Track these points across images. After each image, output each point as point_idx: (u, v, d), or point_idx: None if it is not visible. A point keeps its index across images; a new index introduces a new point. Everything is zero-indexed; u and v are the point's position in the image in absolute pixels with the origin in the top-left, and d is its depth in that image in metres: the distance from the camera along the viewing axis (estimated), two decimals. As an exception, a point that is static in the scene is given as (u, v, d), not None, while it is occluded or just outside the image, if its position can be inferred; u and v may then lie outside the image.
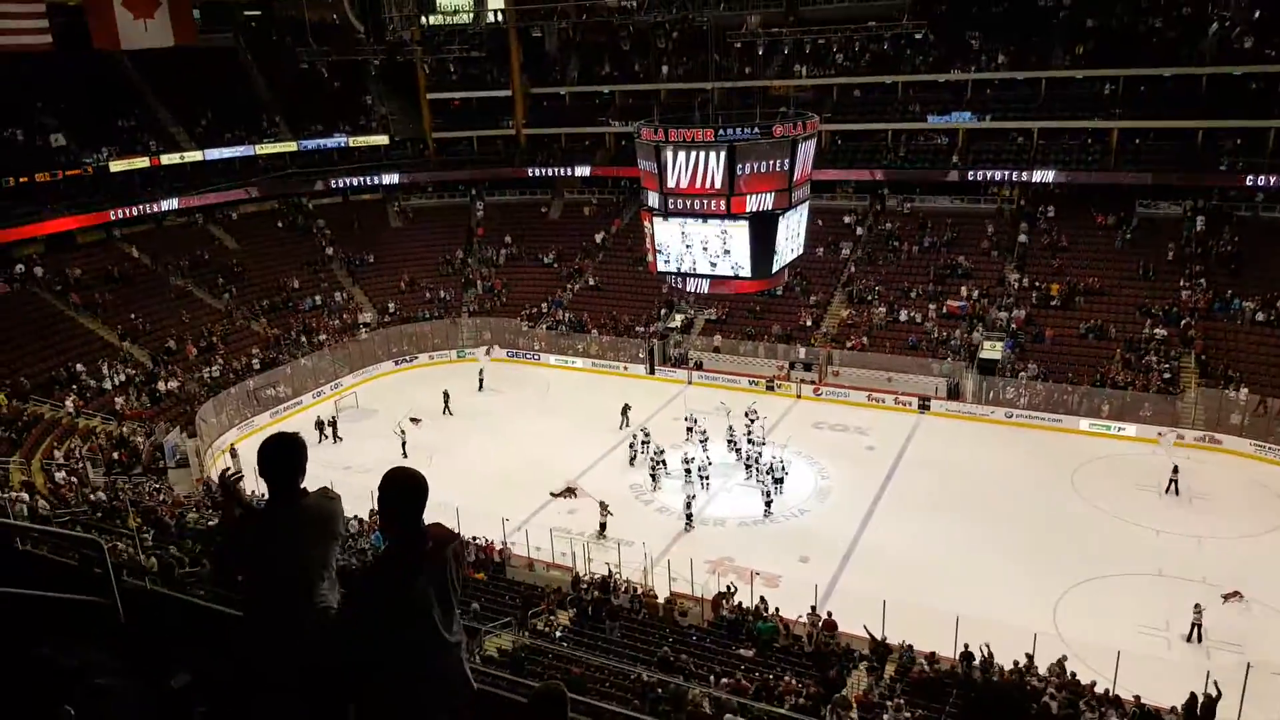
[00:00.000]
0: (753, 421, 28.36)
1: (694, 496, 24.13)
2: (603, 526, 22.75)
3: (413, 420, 29.82)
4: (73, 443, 26.22)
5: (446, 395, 32.16)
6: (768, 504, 24.24)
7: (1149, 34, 36.06)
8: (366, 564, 2.98)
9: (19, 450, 25.13)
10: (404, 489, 2.88)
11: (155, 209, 38.41)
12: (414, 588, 2.83)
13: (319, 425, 29.55)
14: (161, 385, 31.26)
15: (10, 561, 4.15)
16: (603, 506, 23.11)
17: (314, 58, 41.37)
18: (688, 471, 25.70)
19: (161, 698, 2.96)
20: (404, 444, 27.72)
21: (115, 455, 25.98)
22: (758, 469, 25.91)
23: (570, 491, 25.26)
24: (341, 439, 29.41)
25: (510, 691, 3.46)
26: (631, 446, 27.66)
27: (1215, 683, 14.43)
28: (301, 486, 3.11)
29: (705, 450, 26.98)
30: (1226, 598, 19.13)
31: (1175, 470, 24.51)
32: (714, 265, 22.05)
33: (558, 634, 17.28)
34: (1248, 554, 21.33)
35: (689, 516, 23.59)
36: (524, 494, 24.89)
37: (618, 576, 19.67)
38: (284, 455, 3.06)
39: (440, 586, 2.86)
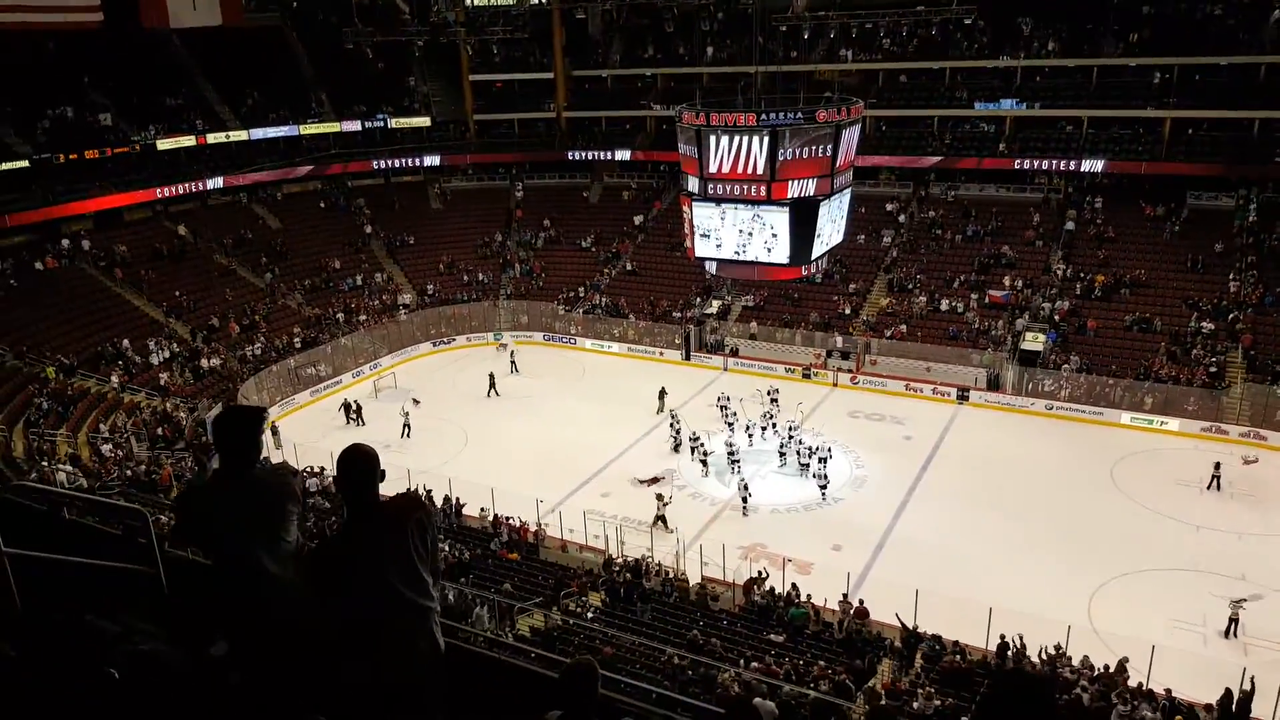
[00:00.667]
0: (773, 401, 28.34)
1: (745, 481, 23.99)
2: (662, 519, 22.40)
3: (415, 401, 30.55)
4: (118, 417, 26.84)
5: (492, 377, 32.43)
6: (823, 488, 24.10)
7: (1206, 21, 34.95)
8: (327, 536, 2.99)
9: (65, 423, 25.73)
10: (356, 463, 2.97)
11: (201, 187, 39.03)
12: (370, 556, 2.87)
13: (346, 408, 30.02)
14: (204, 362, 31.89)
15: (58, 529, 4.24)
16: (659, 498, 22.95)
17: (359, 38, 41.64)
18: (730, 455, 25.63)
19: (200, 665, 2.99)
20: (407, 425, 28.40)
21: (159, 430, 26.45)
22: (799, 455, 25.72)
23: (656, 480, 25.17)
24: (365, 423, 29.71)
25: (542, 667, 3.46)
26: (676, 435, 27.51)
27: (1252, 678, 14.18)
28: (257, 461, 3.12)
29: (733, 432, 26.98)
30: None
31: (1217, 466, 24.08)
32: (769, 250, 21.78)
33: (589, 615, 17.39)
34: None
35: (745, 500, 23.57)
36: (559, 476, 25.02)
37: (649, 560, 19.72)
38: (232, 429, 3.08)
39: (402, 555, 2.89)
